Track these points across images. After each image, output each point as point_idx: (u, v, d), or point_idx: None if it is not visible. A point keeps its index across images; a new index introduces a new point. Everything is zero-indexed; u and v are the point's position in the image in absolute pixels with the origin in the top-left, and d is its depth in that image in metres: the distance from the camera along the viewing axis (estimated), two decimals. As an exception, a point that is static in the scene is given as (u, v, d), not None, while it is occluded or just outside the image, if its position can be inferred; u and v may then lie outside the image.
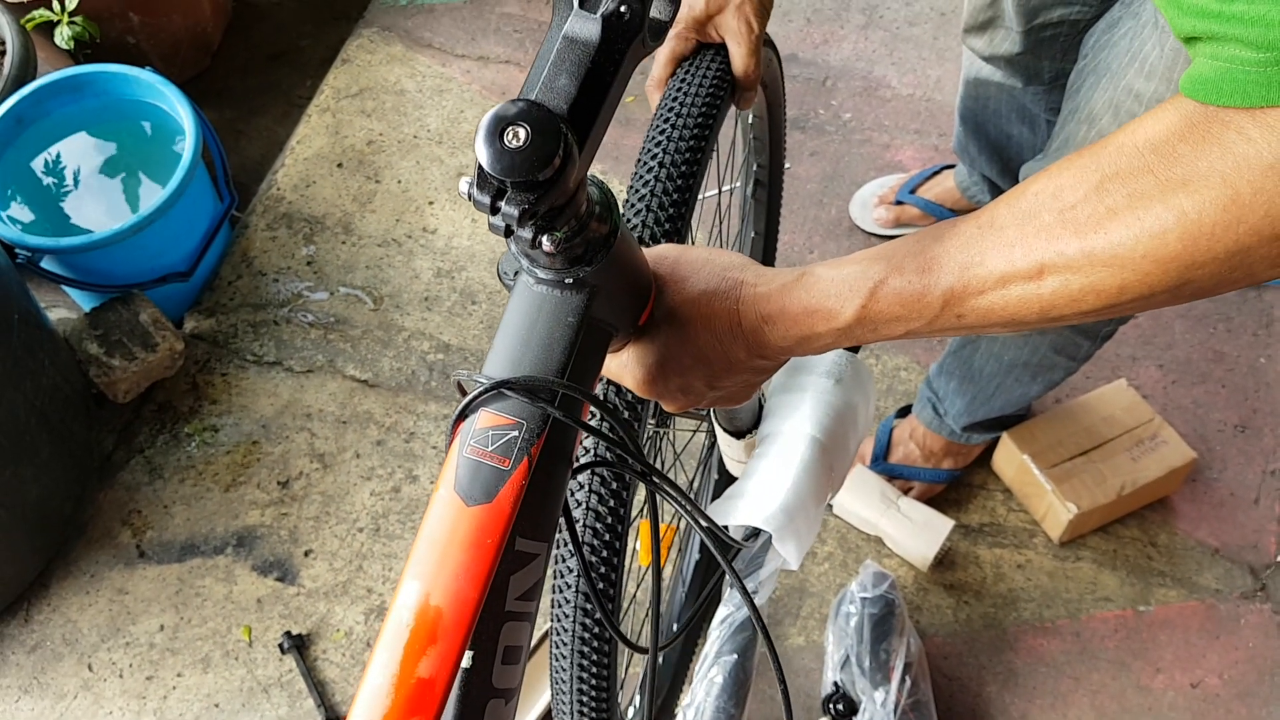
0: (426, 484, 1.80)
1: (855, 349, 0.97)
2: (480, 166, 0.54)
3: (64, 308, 1.99)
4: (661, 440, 1.19)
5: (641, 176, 0.92)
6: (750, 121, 1.24)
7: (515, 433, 0.59)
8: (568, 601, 0.84)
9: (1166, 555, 1.70)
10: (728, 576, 1.16)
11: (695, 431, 1.31)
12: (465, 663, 0.58)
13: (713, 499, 1.37)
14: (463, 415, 0.60)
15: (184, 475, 1.82)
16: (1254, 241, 0.51)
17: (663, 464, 1.24)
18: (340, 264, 2.02)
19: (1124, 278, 0.55)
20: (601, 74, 0.57)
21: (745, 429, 1.03)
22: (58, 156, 1.99)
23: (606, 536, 0.82)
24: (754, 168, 1.35)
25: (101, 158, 1.99)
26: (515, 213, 0.54)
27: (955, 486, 1.76)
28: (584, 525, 0.82)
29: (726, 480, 1.35)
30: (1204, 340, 1.88)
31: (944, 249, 0.62)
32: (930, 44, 2.26)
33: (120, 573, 1.75)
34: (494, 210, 0.55)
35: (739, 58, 1.00)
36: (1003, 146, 1.73)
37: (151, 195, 1.92)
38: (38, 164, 1.97)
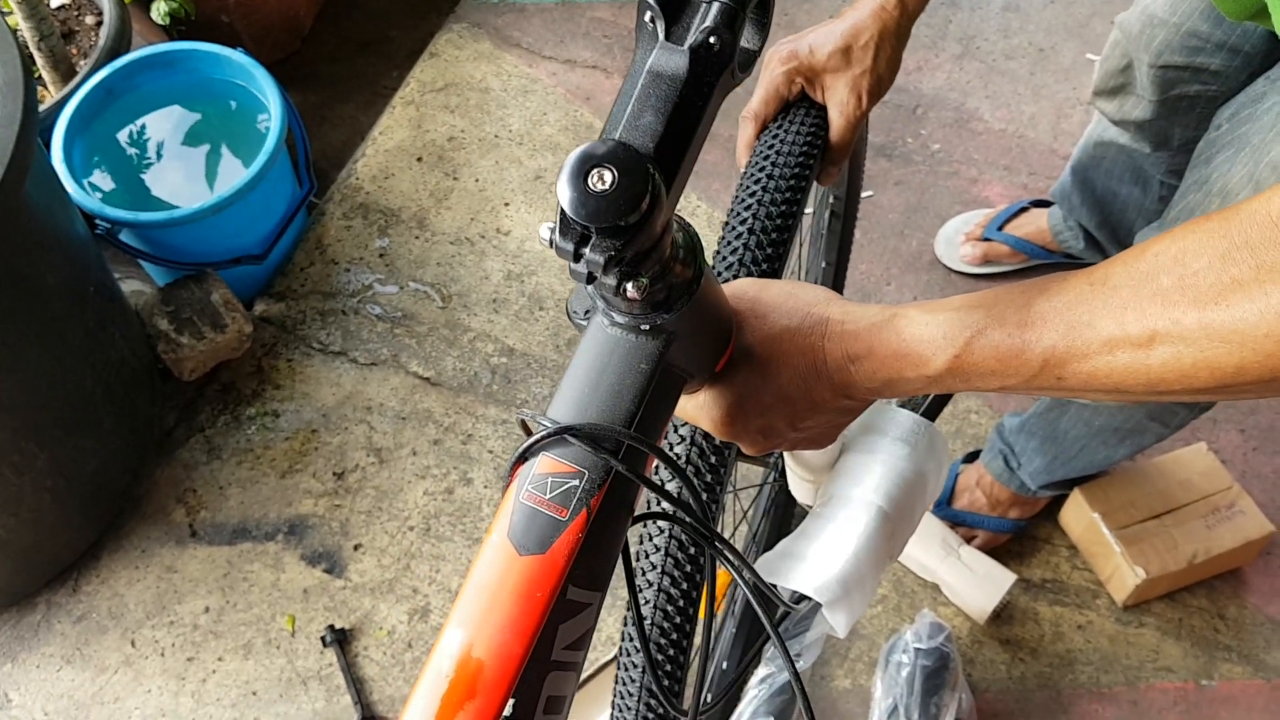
0: (480, 487, 1.78)
1: (936, 413, 0.93)
2: (563, 210, 0.51)
3: (137, 280, 2.00)
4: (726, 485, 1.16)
5: (731, 244, 0.89)
6: None
7: (576, 482, 0.56)
8: (633, 666, 0.81)
9: (1234, 629, 1.64)
10: (772, 640, 1.12)
11: (763, 484, 1.27)
12: (506, 711, 0.55)
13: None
14: (523, 458, 0.57)
15: (241, 458, 1.82)
16: None
17: (722, 512, 1.21)
18: (412, 259, 2.02)
19: (1243, 356, 0.51)
20: (689, 109, 0.54)
21: (824, 472, 1.00)
22: (143, 129, 2.00)
23: (678, 604, 0.79)
24: (831, 199, 1.32)
25: (186, 134, 2.00)
26: (600, 260, 0.51)
27: (1019, 538, 1.71)
28: (656, 589, 0.79)
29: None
30: (1290, 408, 1.81)
31: (1050, 304, 0.57)
32: (1026, 79, 2.21)
33: (171, 550, 1.75)
34: (578, 257, 0.52)
35: (838, 129, 0.96)
36: (1108, 203, 1.68)
37: (232, 174, 1.93)
38: (123, 136, 1.98)
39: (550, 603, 0.54)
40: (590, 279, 0.53)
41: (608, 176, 0.50)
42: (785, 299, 0.68)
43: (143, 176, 1.97)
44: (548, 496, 0.55)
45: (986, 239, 1.93)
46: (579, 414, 0.57)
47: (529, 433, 0.58)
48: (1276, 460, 1.76)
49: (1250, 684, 1.60)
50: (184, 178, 1.97)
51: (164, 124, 2.00)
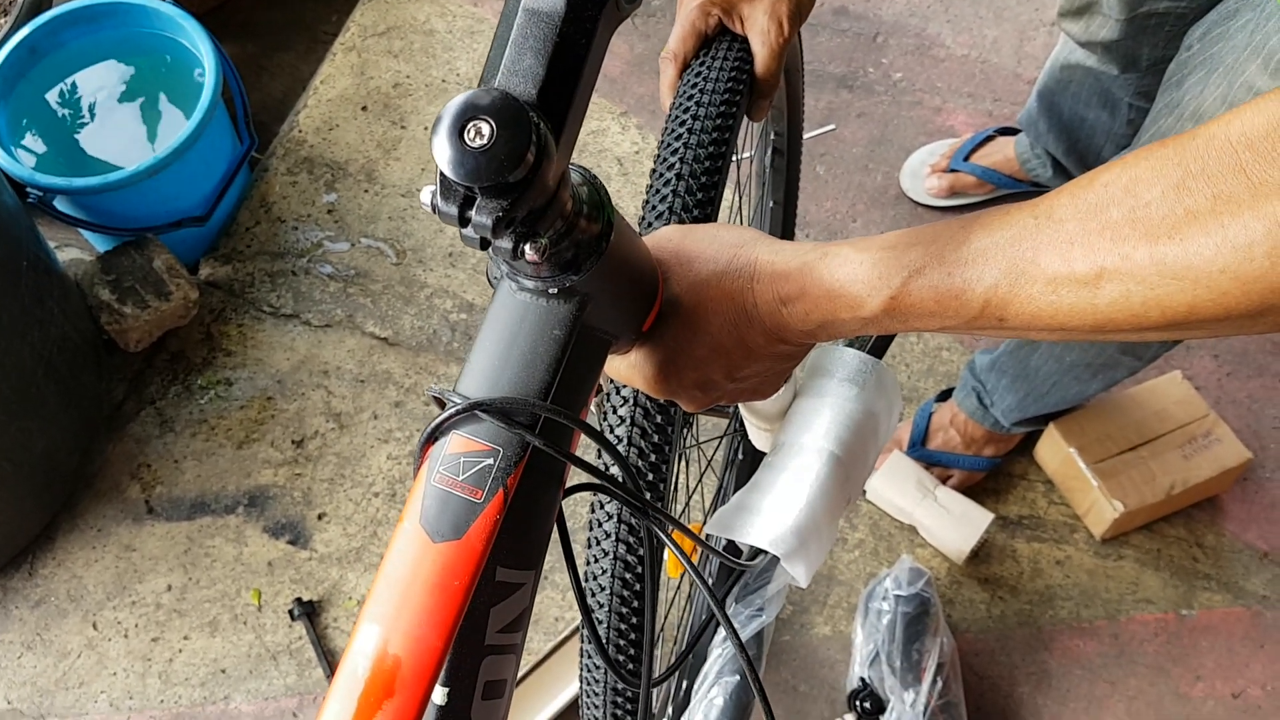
0: (445, 449, 1.74)
1: (883, 349, 0.89)
2: (441, 172, 0.46)
3: (76, 247, 1.92)
4: (685, 443, 1.12)
5: (659, 191, 0.84)
6: None
7: (490, 460, 0.52)
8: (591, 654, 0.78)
9: (1213, 557, 1.63)
10: (736, 595, 1.10)
11: (723, 436, 1.24)
12: (440, 700, 0.53)
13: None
14: (432, 438, 0.53)
15: (196, 429, 1.77)
16: None
17: (687, 466, 1.17)
18: (362, 214, 1.94)
19: (1196, 295, 0.47)
20: (573, 48, 0.49)
21: (779, 419, 0.96)
22: (74, 88, 1.91)
23: (624, 575, 0.76)
24: (772, 135, 1.27)
25: (119, 91, 1.91)
26: (488, 222, 0.47)
27: (995, 475, 1.69)
28: (614, 558, 0.76)
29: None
30: (1263, 331, 1.79)
31: (991, 240, 0.53)
32: (988, 2, 2.15)
33: (128, 528, 1.70)
34: (464, 222, 0.48)
35: (762, 60, 0.91)
36: (1075, 128, 1.63)
37: (171, 131, 1.84)
38: (52, 96, 1.88)
39: (469, 590, 0.51)
40: (484, 244, 0.49)
41: (486, 130, 0.45)
42: (710, 243, 0.63)
43: (78, 138, 1.88)
44: (461, 478, 0.52)
45: (952, 170, 1.88)
46: (490, 388, 0.54)
47: (443, 408, 0.54)
48: (1251, 385, 1.74)
49: (1230, 612, 1.59)
50: (123, 137, 1.88)
51: (96, 81, 1.91)
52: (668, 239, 0.65)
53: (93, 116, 1.90)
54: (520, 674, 1.49)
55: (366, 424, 1.76)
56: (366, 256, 1.91)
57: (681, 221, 0.81)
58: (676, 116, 0.87)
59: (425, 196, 0.49)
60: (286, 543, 1.68)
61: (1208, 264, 0.46)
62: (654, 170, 0.86)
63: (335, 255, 1.91)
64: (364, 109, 2.06)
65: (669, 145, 0.85)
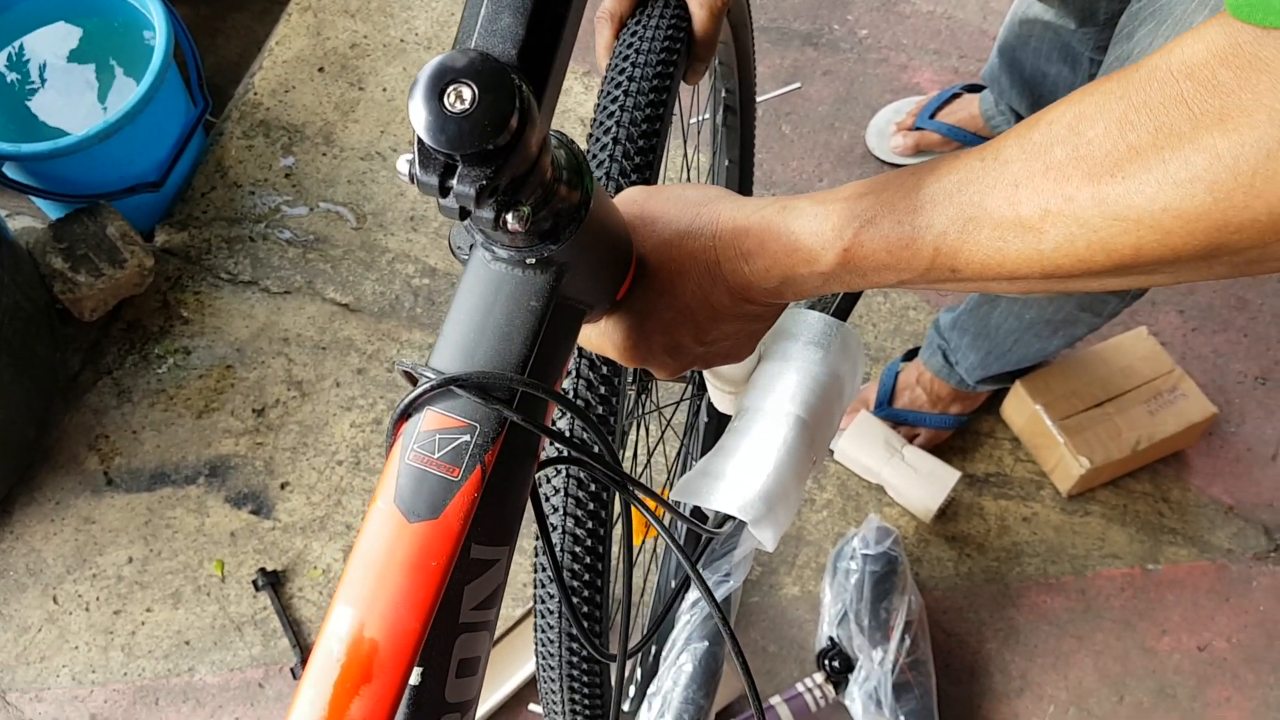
0: (409, 415, 1.72)
1: (847, 311, 0.88)
2: (420, 139, 0.44)
3: (27, 215, 1.88)
4: (645, 407, 1.10)
5: (595, 155, 0.82)
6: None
7: (466, 437, 0.50)
8: (550, 612, 0.77)
9: (1178, 512, 1.64)
10: (703, 561, 1.09)
11: (681, 399, 1.22)
12: (414, 679, 0.52)
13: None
14: (405, 414, 0.51)
15: (154, 399, 1.74)
16: None
17: (647, 432, 1.16)
18: (321, 177, 1.91)
19: (1140, 236, 0.45)
20: (552, 6, 0.47)
21: (744, 384, 0.95)
22: (21, 51, 1.86)
23: (587, 544, 0.75)
24: (722, 94, 1.25)
25: (71, 54, 1.86)
26: (471, 192, 0.45)
27: (961, 434, 1.69)
28: (562, 532, 0.74)
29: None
30: (1227, 285, 1.79)
31: (940, 186, 0.52)
32: (953, -44, 2.12)
33: (87, 500, 1.67)
34: (444, 192, 0.45)
35: (700, 21, 0.88)
36: (1037, 84, 1.62)
37: (123, 95, 1.80)
38: (0, 60, 1.84)
39: (447, 571, 0.50)
40: (464, 214, 0.47)
41: (467, 94, 0.43)
42: (673, 202, 0.62)
43: (28, 104, 1.83)
44: (436, 456, 0.50)
45: (918, 128, 1.86)
46: (465, 361, 0.52)
47: (414, 383, 0.52)
48: (1216, 340, 1.74)
49: (1196, 565, 1.60)
50: (74, 101, 1.83)
51: (45, 44, 1.86)
52: (632, 200, 0.63)
53: (43, 81, 1.85)
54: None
55: (329, 392, 1.74)
56: (326, 221, 1.87)
57: (619, 187, 0.79)
58: (612, 78, 0.85)
59: (402, 166, 0.46)
60: (249, 513, 1.65)
61: (1149, 202, 0.44)
62: (590, 134, 0.84)
63: (294, 220, 1.87)
64: (321, 70, 2.02)
65: (605, 108, 0.84)
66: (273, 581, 1.60)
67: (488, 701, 1.49)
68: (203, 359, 1.76)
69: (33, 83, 1.85)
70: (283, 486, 1.67)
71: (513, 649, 1.52)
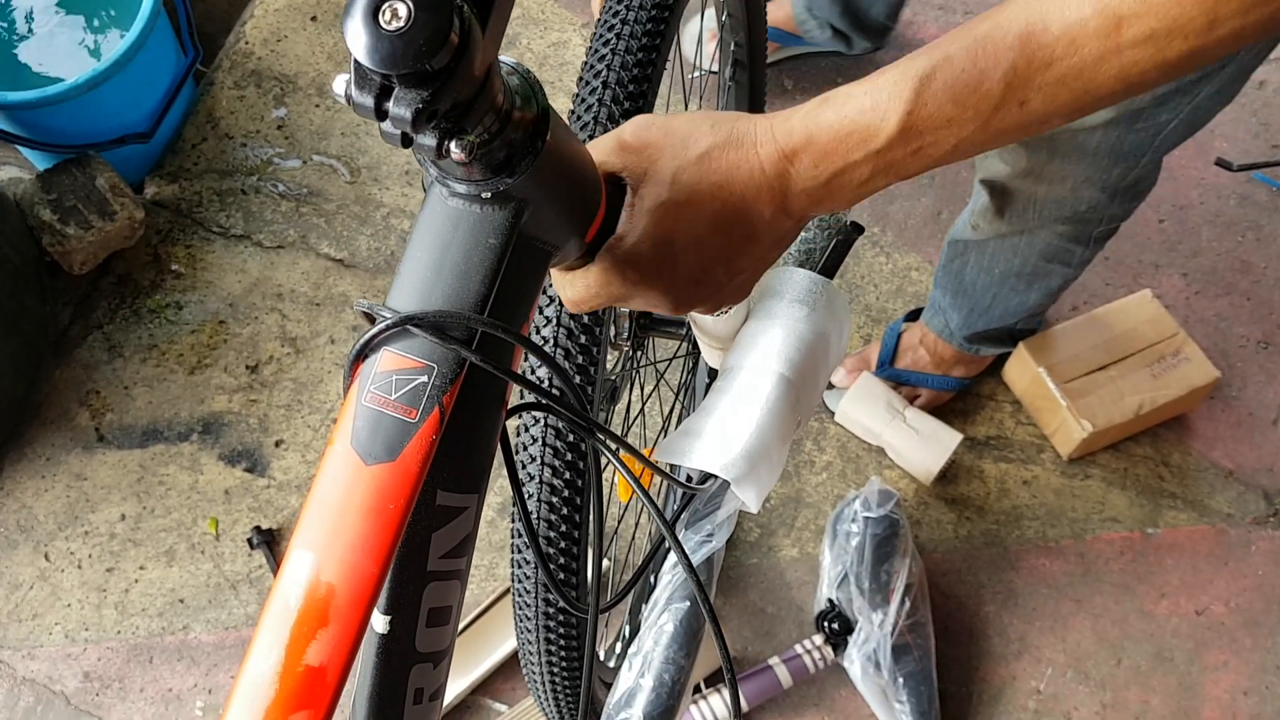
0: (405, 373, 1.69)
1: (834, 269, 0.86)
2: (355, 59, 0.42)
3: (14, 165, 1.84)
4: (640, 363, 1.08)
5: (585, 100, 0.79)
6: None
7: (424, 378, 0.49)
8: (526, 562, 0.76)
9: (1179, 476, 1.63)
10: (685, 521, 1.08)
11: (674, 357, 1.21)
12: (382, 628, 0.52)
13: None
14: (361, 355, 0.50)
15: (145, 355, 1.71)
16: None
17: (643, 389, 1.14)
18: (314, 129, 1.87)
19: (1215, 5, 0.48)
20: None
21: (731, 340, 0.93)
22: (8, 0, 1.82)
23: (564, 494, 0.73)
24: (731, 46, 1.23)
25: (59, 2, 1.81)
26: (407, 115, 0.43)
27: (963, 396, 1.68)
28: (539, 483, 0.73)
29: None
30: (1231, 249, 1.78)
31: (996, 23, 0.53)
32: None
33: (78, 457, 1.65)
34: (381, 114, 0.44)
35: None
36: None
37: (112, 43, 1.76)
38: (-16, 7, 1.79)
39: (406, 514, 0.49)
40: (406, 140, 0.45)
41: (403, 11, 0.41)
42: (703, 119, 0.61)
43: (15, 53, 1.79)
44: (393, 397, 0.49)
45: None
46: (422, 301, 0.50)
47: (373, 323, 0.50)
48: (1219, 303, 1.73)
49: (1195, 530, 1.60)
50: (63, 50, 1.79)
51: (32, -8, 1.81)
52: (649, 122, 0.61)
53: (30, 29, 1.81)
54: (464, 623, 1.46)
55: (323, 348, 1.71)
56: (319, 174, 1.84)
57: (606, 131, 0.77)
58: (605, 21, 0.83)
59: (339, 86, 0.45)
60: (243, 470, 1.64)
61: None
62: (580, 79, 0.81)
63: (286, 173, 1.84)
64: (313, 19, 1.97)
65: (596, 52, 0.81)
66: (267, 540, 1.58)
67: (469, 676, 1.48)
68: (194, 314, 1.74)
69: (20, 31, 1.81)
70: (277, 444, 1.65)
71: (490, 629, 1.50)
